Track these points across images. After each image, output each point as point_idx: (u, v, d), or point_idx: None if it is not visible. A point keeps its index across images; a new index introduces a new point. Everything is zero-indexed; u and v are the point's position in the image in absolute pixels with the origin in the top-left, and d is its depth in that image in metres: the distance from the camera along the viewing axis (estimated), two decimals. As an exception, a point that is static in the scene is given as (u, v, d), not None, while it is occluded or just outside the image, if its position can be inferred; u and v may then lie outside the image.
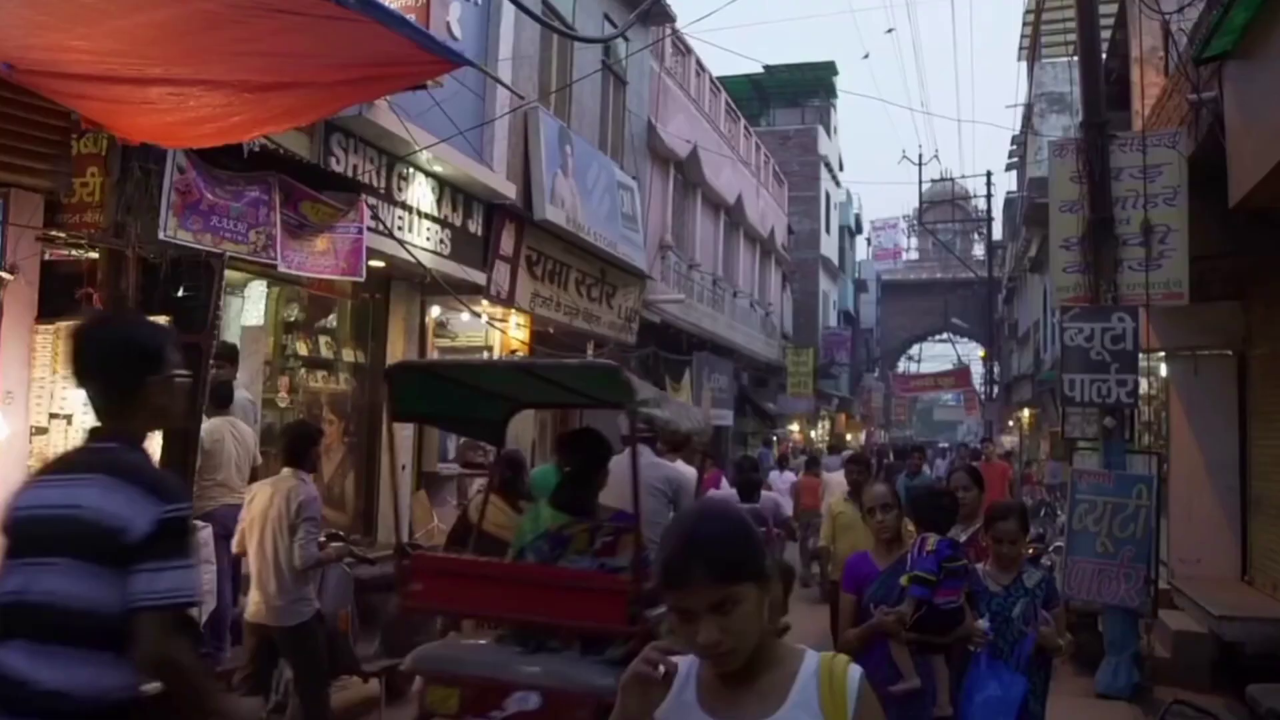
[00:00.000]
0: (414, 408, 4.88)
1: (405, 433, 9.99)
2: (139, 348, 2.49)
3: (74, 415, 5.18)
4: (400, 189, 9.13)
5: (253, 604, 5.20)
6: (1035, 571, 4.37)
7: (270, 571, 5.09)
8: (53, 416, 5.26)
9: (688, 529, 1.70)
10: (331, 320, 9.79)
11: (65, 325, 5.24)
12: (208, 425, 6.18)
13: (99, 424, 2.49)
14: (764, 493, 10.06)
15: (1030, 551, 8.85)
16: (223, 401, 6.49)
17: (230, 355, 6.95)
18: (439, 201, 9.79)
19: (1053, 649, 4.25)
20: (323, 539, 5.35)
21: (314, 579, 5.38)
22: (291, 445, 5.33)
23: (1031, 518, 14.60)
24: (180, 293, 5.63)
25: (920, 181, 33.53)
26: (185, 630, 2.43)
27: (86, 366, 2.51)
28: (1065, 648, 4.45)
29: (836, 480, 9.89)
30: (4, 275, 5.10)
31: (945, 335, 46.73)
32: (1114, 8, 12.40)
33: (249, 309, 8.02)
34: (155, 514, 2.27)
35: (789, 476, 14.22)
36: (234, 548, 5.45)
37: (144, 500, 2.28)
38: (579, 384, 5.13)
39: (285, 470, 5.26)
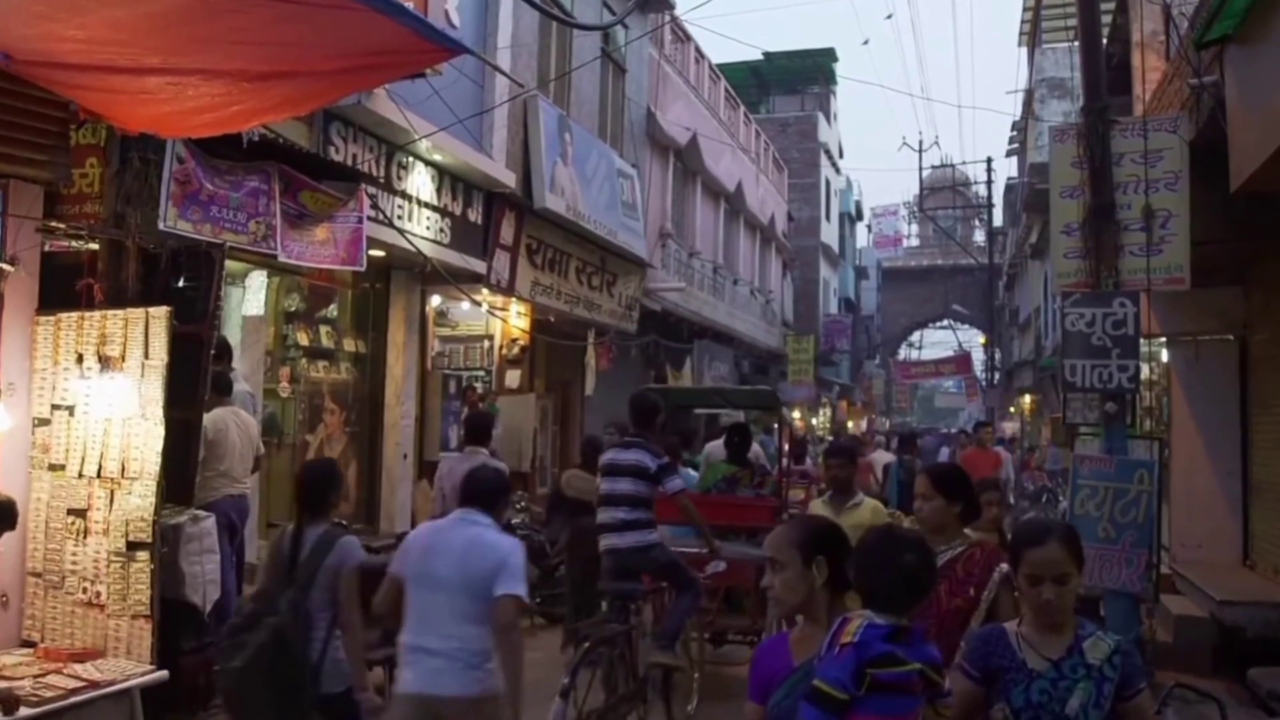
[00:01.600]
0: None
1: (406, 422, 10.02)
2: (656, 405, 6.39)
3: (75, 406, 5.17)
4: (400, 178, 9.11)
5: None
6: (1104, 638, 2.60)
7: None
8: (55, 407, 5.25)
9: None
10: (332, 310, 9.80)
11: (67, 316, 5.24)
12: (211, 415, 6.18)
13: (634, 431, 6.21)
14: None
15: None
16: (223, 390, 6.48)
17: (222, 349, 6.87)
18: (439, 190, 9.78)
19: None
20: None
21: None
22: (477, 428, 7.44)
23: (1033, 503, 14.74)
24: (180, 283, 5.61)
25: (920, 168, 33.49)
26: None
27: (635, 411, 6.30)
28: None
29: (884, 460, 12.60)
30: (4, 267, 5.09)
31: (946, 322, 46.78)
32: (1115, -8, 12.35)
33: (249, 299, 8.02)
34: (659, 462, 5.94)
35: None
36: (434, 508, 7.19)
37: (654, 457, 5.96)
38: (745, 399, 11.74)
39: (471, 447, 7.14)
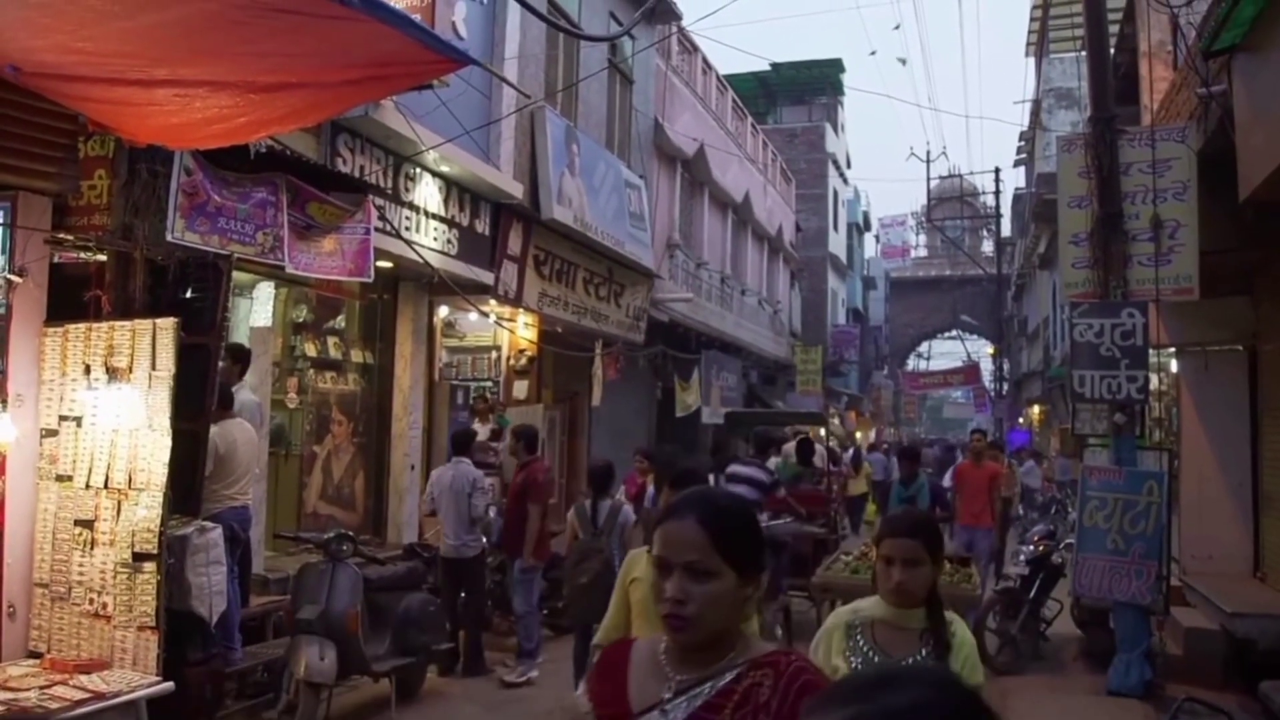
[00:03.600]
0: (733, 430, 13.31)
1: (414, 433, 10.02)
2: (773, 439, 11.03)
3: (83, 417, 5.19)
4: (407, 189, 9.14)
5: (445, 545, 7.86)
6: None
7: (458, 523, 7.81)
8: (62, 419, 5.26)
9: None
10: (339, 321, 9.81)
11: (74, 327, 5.26)
12: (219, 429, 6.18)
13: (755, 455, 9.86)
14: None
15: (1041, 548, 8.85)
16: (226, 404, 6.47)
17: (240, 356, 6.96)
18: (446, 201, 9.80)
19: None
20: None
21: (480, 527, 8.15)
22: (461, 442, 8.37)
23: (1042, 514, 14.66)
24: (188, 294, 5.63)
25: (928, 178, 33.46)
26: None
27: (760, 442, 10.08)
28: None
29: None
30: (13, 278, 5.11)
31: (954, 332, 46.65)
32: (1122, 1, 12.35)
33: (257, 310, 8.03)
34: (772, 479, 9.29)
35: None
36: (424, 508, 8.46)
37: (769, 474, 9.33)
38: (803, 419, 18.71)
39: (458, 458, 8.15)
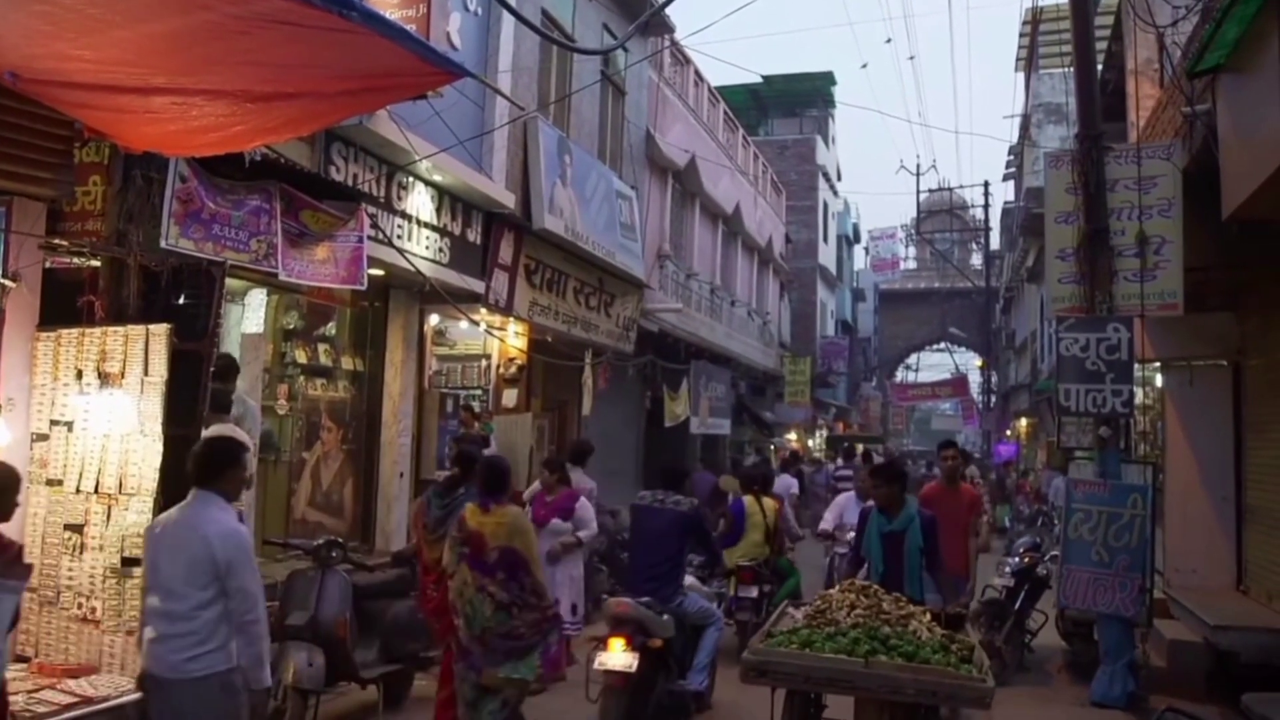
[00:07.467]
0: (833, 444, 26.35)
1: (403, 440, 10.03)
2: (853, 449, 21.36)
3: (74, 422, 5.20)
4: (400, 198, 9.17)
5: None
6: None
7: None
8: (54, 423, 5.27)
9: None
10: (331, 328, 9.83)
11: (67, 332, 5.28)
12: (210, 434, 6.18)
13: (845, 463, 17.51)
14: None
15: (1027, 560, 8.92)
16: (221, 408, 6.47)
17: (228, 367, 6.84)
18: (438, 210, 9.83)
19: None
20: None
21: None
22: (580, 453, 9.38)
23: (1028, 526, 14.73)
24: (181, 300, 5.65)
25: (918, 191, 33.67)
26: None
27: (845, 451, 20.71)
28: None
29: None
30: (6, 283, 5.12)
31: (943, 345, 46.86)
32: (1109, 20, 12.48)
33: (249, 317, 8.04)
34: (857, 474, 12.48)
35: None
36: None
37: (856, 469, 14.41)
38: (872, 439, 32.15)
39: (572, 465, 8.86)
